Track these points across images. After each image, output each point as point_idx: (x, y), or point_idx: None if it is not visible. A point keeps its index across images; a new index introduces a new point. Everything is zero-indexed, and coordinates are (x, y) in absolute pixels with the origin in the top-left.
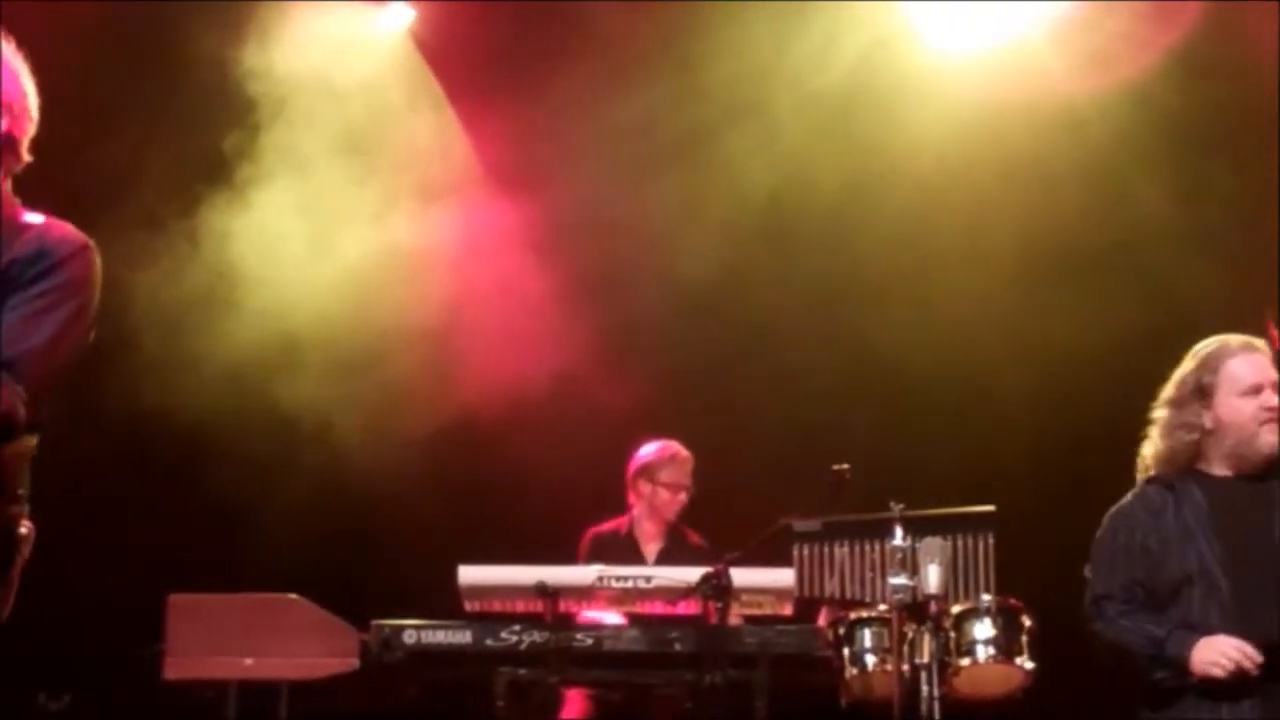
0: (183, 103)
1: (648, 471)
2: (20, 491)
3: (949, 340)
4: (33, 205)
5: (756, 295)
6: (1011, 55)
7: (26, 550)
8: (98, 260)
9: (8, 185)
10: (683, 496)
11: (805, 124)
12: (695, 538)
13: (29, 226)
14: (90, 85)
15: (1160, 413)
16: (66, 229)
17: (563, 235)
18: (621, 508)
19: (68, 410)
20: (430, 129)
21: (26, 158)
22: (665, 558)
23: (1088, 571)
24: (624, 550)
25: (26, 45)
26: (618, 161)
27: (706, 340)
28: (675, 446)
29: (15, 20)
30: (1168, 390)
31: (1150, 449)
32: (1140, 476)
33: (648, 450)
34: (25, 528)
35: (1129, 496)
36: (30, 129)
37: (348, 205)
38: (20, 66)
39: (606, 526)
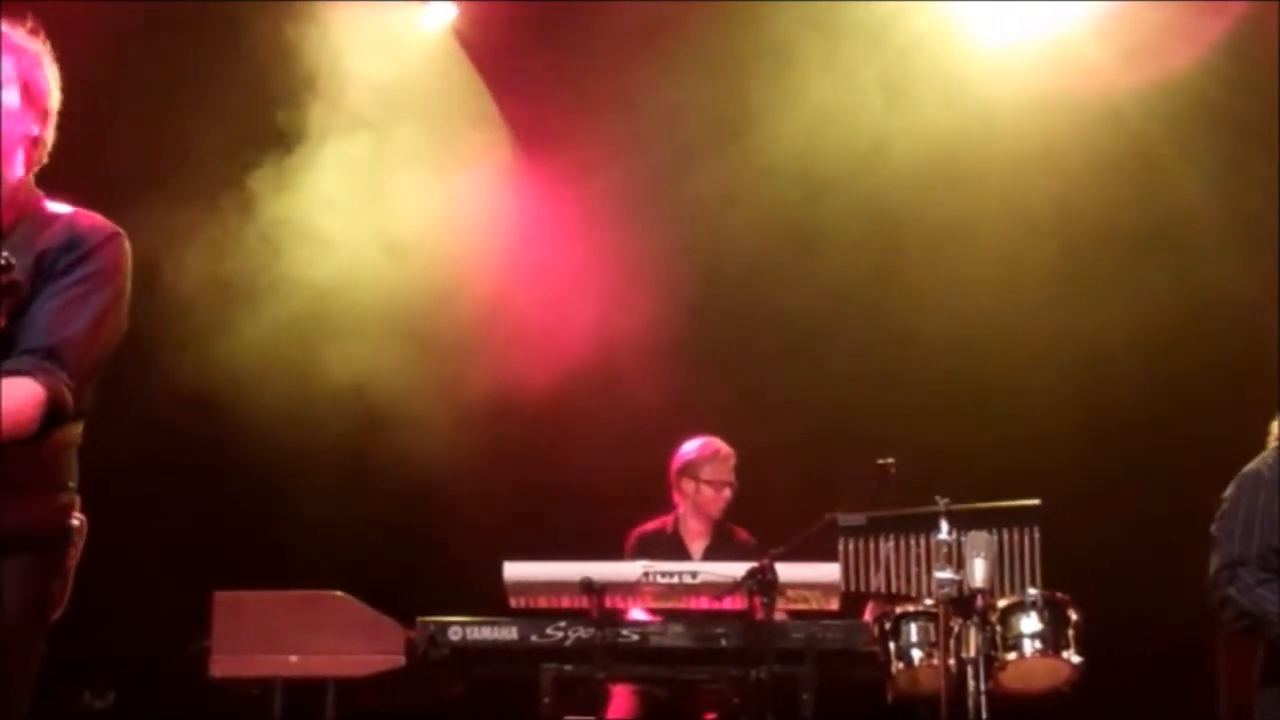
0: (232, 82)
1: (690, 469)
2: (70, 484)
3: (993, 333)
4: (89, 180)
5: (799, 289)
6: (1056, 49)
7: (80, 543)
8: (128, 247)
9: (30, 179)
10: (727, 493)
11: (848, 118)
12: (742, 535)
13: (57, 217)
14: (141, 65)
15: None
16: (95, 218)
17: (601, 229)
18: (665, 504)
19: (112, 401)
20: (472, 121)
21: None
22: (711, 555)
23: (1215, 530)
24: (670, 549)
25: (85, 25)
26: (657, 155)
27: (750, 335)
28: (717, 443)
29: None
30: None
31: None
32: (1273, 439)
33: (689, 448)
34: (77, 520)
35: (1266, 459)
36: (52, 131)
37: (391, 197)
38: (52, 70)
39: (651, 526)
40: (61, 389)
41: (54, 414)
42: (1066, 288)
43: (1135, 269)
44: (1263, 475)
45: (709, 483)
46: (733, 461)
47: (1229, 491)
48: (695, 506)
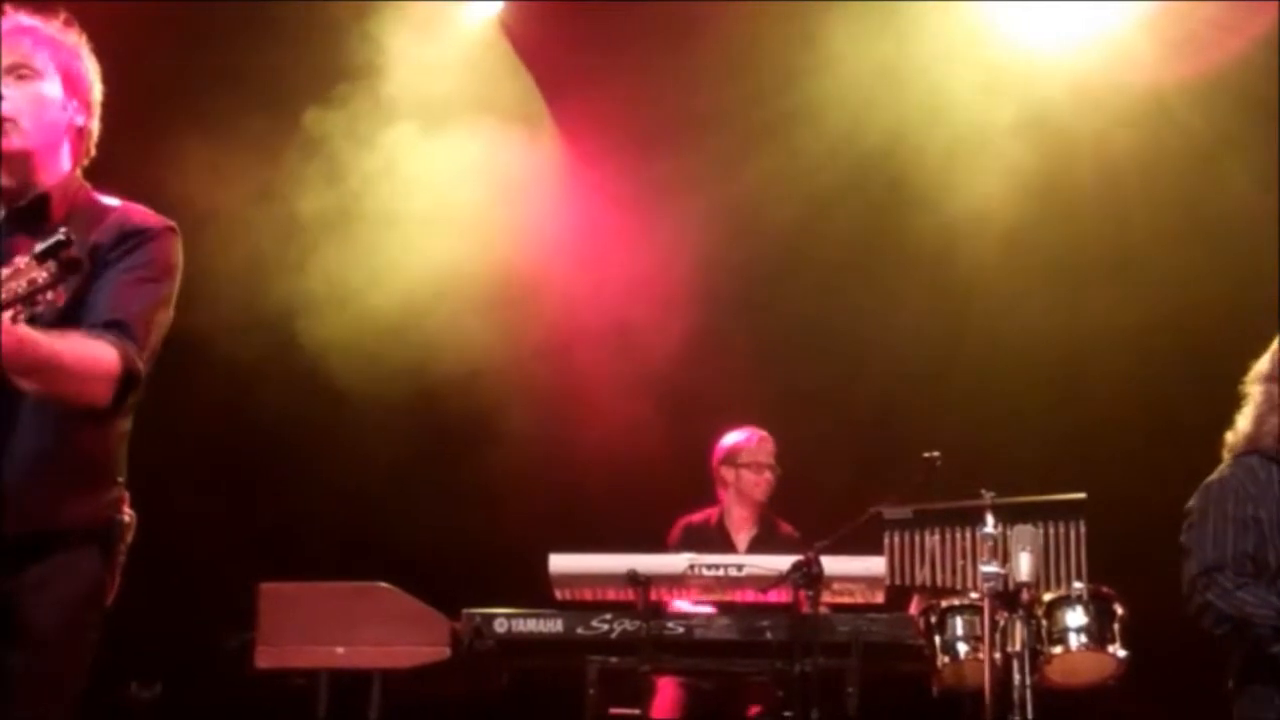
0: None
1: (730, 457)
2: (119, 478)
3: (1039, 327)
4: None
5: (846, 282)
6: (1104, 43)
7: (129, 537)
8: (180, 243)
9: (78, 172)
10: (768, 475)
11: (894, 113)
12: (786, 528)
13: (108, 209)
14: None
15: (1255, 389)
16: (147, 212)
17: (649, 221)
18: (710, 498)
19: (155, 391)
20: (518, 116)
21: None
22: (756, 547)
23: (1185, 539)
24: (715, 540)
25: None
26: (705, 149)
27: (796, 327)
28: (753, 429)
29: None
30: (1264, 366)
31: (1245, 424)
32: (1228, 451)
33: (728, 438)
34: (128, 516)
35: (1228, 468)
36: (97, 123)
37: (441, 188)
38: (92, 62)
39: (697, 516)
40: (133, 355)
41: (128, 380)
42: (1113, 281)
43: (1182, 262)
44: (1227, 483)
45: (748, 466)
46: (771, 446)
47: (1193, 503)
48: (738, 494)
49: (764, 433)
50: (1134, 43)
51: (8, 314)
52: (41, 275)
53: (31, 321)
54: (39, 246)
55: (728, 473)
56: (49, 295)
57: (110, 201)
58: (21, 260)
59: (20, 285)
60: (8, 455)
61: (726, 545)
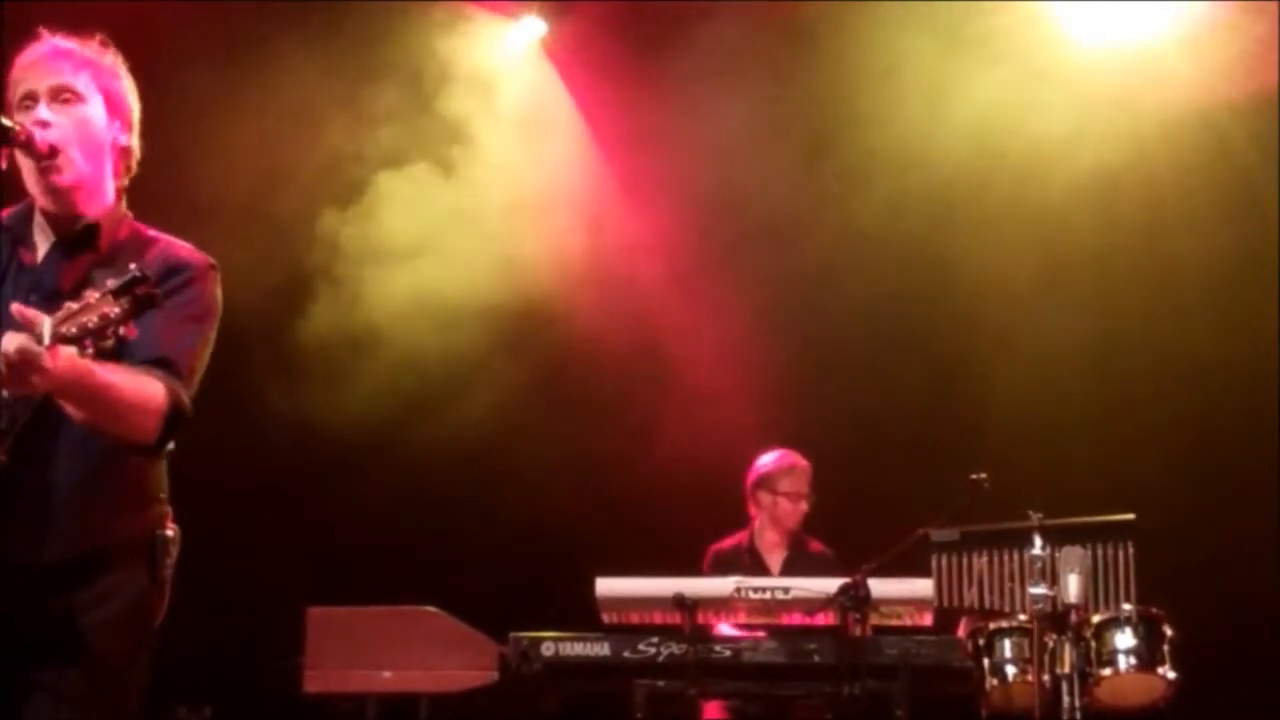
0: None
1: (767, 482)
2: (161, 495)
3: (1087, 348)
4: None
5: (891, 299)
6: (1148, 60)
7: (174, 552)
8: (220, 282)
9: (122, 205)
10: (803, 505)
11: (938, 127)
12: (817, 545)
13: (152, 241)
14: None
15: None
16: (189, 247)
17: (691, 239)
18: (739, 517)
19: (205, 416)
20: (560, 137)
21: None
22: (790, 567)
23: None
24: (748, 564)
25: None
26: (745, 165)
27: (841, 348)
28: (794, 456)
29: None
30: None
31: None
32: None
33: (766, 460)
34: (171, 530)
35: None
36: (138, 140)
37: (482, 206)
38: (129, 81)
39: (728, 543)
40: (180, 392)
41: (175, 417)
42: (1164, 304)
43: (1233, 286)
44: None
45: (786, 495)
46: (809, 474)
47: None
48: (772, 519)
49: (804, 461)
50: (1180, 60)
51: (74, 347)
52: (114, 311)
53: (99, 355)
54: (112, 282)
55: (764, 497)
56: (120, 331)
57: (152, 234)
58: (93, 295)
59: (92, 319)
60: (54, 480)
61: (760, 568)
